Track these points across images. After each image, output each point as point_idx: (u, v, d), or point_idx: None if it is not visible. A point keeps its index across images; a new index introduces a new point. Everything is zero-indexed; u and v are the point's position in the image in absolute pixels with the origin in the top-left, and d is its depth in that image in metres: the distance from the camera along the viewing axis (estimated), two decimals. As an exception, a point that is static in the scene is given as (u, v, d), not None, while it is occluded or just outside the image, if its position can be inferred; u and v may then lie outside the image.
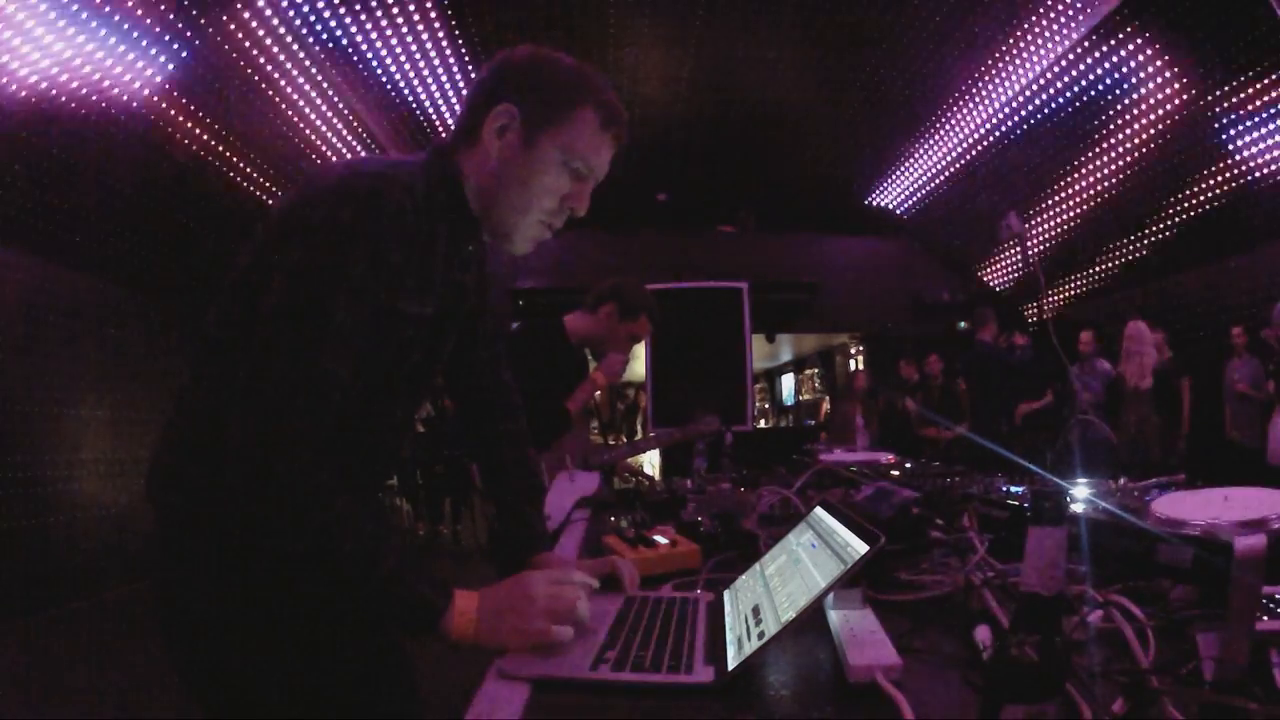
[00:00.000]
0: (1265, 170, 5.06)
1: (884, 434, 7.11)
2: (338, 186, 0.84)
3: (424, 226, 0.89)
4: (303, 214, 0.83)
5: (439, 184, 0.92)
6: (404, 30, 5.30)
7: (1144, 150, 5.66)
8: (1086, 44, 5.16)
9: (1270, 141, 4.90)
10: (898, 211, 8.64)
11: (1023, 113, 6.11)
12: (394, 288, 0.86)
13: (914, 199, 8.30)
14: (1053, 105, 5.84)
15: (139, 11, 3.76)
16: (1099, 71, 5.31)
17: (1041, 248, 7.31)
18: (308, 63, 5.07)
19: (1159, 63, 4.98)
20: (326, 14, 4.89)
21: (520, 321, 2.26)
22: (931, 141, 7.20)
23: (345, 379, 0.80)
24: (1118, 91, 5.36)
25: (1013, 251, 7.95)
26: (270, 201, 5.50)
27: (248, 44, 4.54)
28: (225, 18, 4.30)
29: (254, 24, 4.52)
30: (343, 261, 0.79)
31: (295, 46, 4.89)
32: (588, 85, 0.93)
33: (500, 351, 1.20)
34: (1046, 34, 5.29)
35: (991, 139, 6.61)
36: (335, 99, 5.57)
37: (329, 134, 5.74)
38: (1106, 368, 5.74)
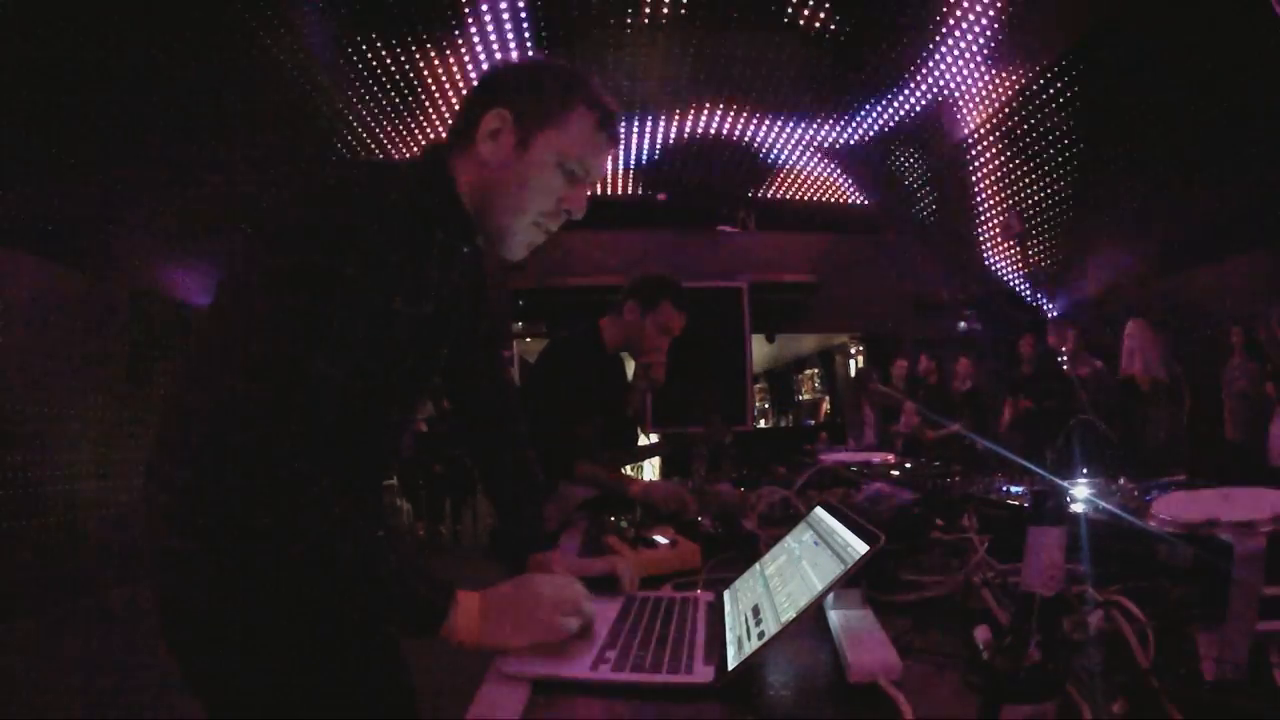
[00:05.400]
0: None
1: (884, 433, 7.08)
2: (333, 189, 0.84)
3: (418, 228, 0.89)
4: (298, 216, 0.83)
5: (432, 186, 0.92)
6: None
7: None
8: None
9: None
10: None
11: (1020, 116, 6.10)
12: (389, 289, 0.86)
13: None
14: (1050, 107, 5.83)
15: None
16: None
17: (1041, 246, 7.30)
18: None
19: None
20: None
21: (558, 334, 2.21)
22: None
23: (340, 381, 0.80)
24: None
25: (1014, 251, 7.93)
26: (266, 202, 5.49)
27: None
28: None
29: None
30: (338, 263, 0.79)
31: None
32: (581, 87, 0.93)
33: (500, 353, 1.20)
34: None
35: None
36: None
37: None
38: (1098, 365, 5.73)
